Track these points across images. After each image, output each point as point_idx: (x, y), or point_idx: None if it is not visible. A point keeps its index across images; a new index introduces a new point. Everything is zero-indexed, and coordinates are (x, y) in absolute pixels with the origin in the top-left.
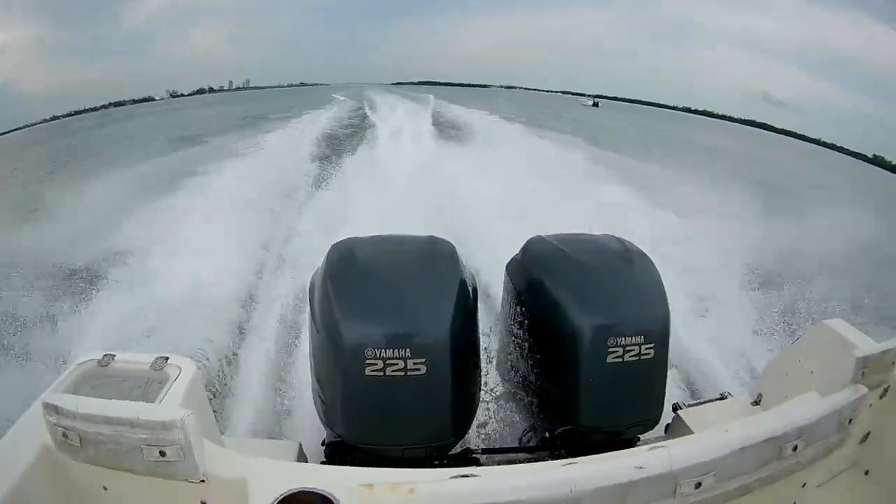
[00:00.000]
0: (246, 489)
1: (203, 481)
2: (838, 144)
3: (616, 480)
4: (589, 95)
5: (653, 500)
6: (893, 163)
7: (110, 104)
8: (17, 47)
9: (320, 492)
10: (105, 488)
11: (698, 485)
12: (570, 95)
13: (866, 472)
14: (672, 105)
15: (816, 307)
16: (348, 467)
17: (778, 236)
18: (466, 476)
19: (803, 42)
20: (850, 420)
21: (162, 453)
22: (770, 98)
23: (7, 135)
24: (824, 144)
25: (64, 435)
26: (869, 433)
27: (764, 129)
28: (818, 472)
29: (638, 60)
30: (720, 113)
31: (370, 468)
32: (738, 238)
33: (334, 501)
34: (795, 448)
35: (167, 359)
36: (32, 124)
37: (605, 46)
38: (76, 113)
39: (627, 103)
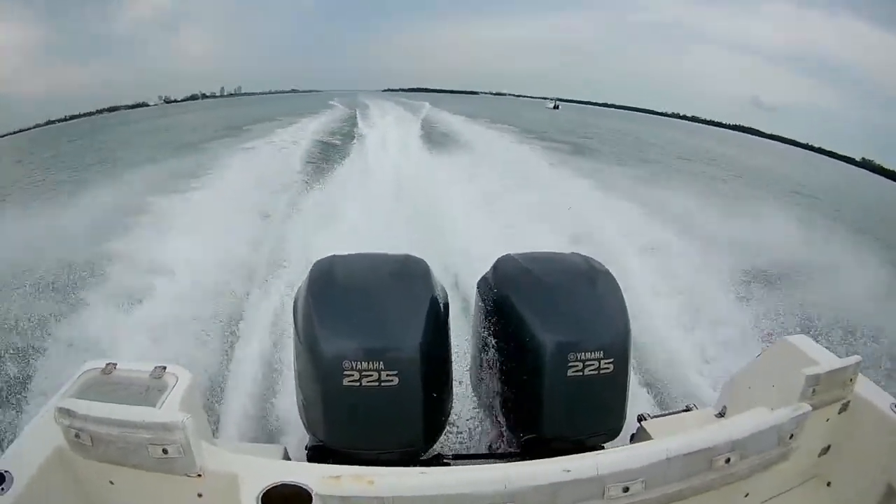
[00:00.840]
0: (237, 482)
1: (200, 475)
2: (827, 149)
3: (546, 481)
4: (552, 99)
5: (581, 500)
6: (883, 166)
7: (105, 109)
8: (10, 49)
9: (298, 484)
10: (112, 482)
11: (626, 489)
12: (546, 100)
13: (828, 484)
14: (662, 111)
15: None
16: (325, 464)
17: (770, 244)
18: (422, 472)
19: (795, 47)
20: (792, 436)
21: (165, 451)
22: (760, 103)
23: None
24: (813, 149)
25: (76, 436)
26: (829, 446)
27: (752, 133)
28: (765, 483)
29: (629, 65)
30: (709, 118)
31: (343, 466)
32: (726, 246)
33: (309, 490)
34: (728, 460)
35: (165, 368)
36: (28, 129)
37: (595, 52)
38: (72, 118)
39: (612, 109)
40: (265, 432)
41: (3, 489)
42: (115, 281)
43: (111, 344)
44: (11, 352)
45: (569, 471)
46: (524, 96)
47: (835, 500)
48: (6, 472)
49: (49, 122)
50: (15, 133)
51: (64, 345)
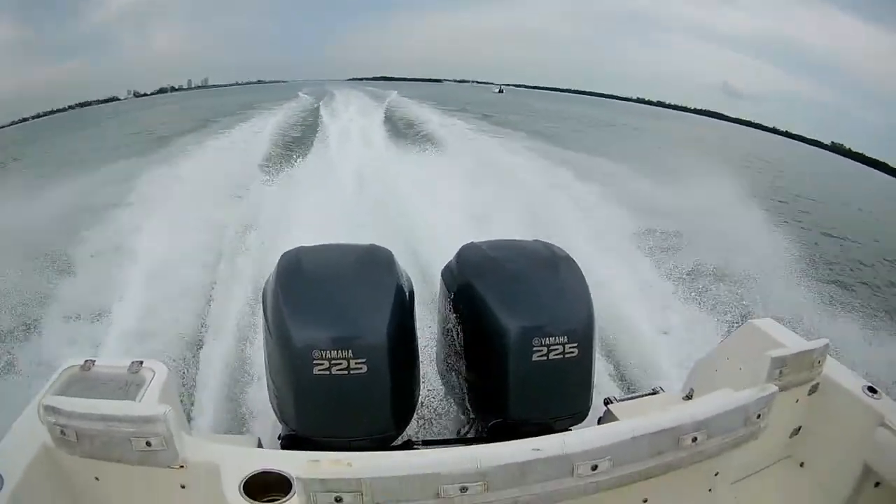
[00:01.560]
0: (218, 472)
1: (182, 467)
2: (794, 133)
3: (515, 460)
4: (497, 84)
5: (551, 478)
6: (852, 149)
7: (77, 105)
8: None
9: (279, 471)
10: (97, 479)
11: (594, 467)
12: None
13: (801, 464)
14: (625, 97)
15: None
16: (303, 451)
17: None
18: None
19: (766, 33)
20: (759, 416)
21: (148, 444)
22: (730, 89)
23: None
24: (780, 132)
25: (62, 432)
26: (800, 427)
27: (717, 118)
28: (734, 462)
29: (594, 51)
30: (674, 103)
31: (320, 452)
32: (689, 228)
33: (289, 478)
34: (695, 439)
35: (142, 363)
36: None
37: (560, 38)
38: (45, 114)
39: (575, 94)
40: (237, 423)
41: None
42: (80, 277)
43: (82, 341)
44: None
45: (538, 450)
46: (485, 83)
47: (810, 481)
48: None
49: (23, 120)
50: None
51: (34, 343)
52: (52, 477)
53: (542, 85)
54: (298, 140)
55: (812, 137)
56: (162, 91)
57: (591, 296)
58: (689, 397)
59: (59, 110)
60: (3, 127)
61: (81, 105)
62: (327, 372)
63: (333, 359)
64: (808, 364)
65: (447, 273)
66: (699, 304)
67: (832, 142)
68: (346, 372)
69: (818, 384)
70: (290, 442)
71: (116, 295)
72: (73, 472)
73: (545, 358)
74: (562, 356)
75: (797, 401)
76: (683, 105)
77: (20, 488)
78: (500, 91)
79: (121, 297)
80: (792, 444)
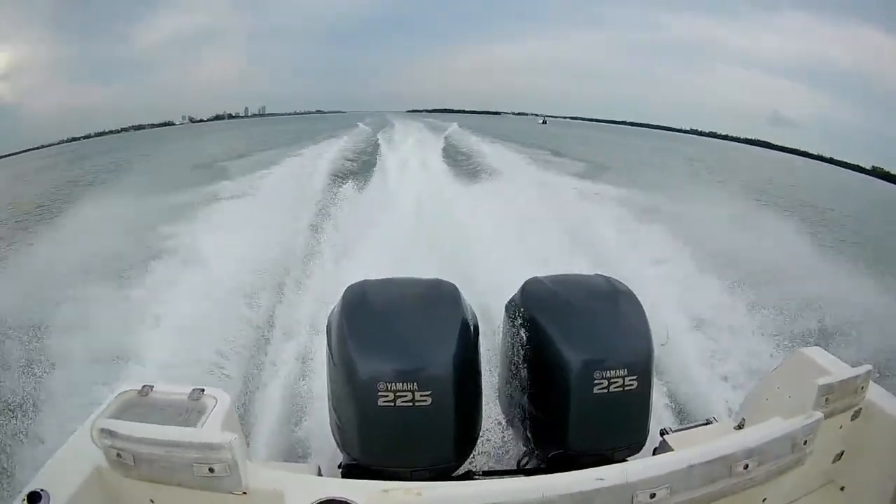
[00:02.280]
0: (283, 499)
1: (245, 493)
2: (838, 158)
3: (579, 489)
4: (540, 115)
5: None
6: (891, 172)
7: (130, 128)
8: (32, 64)
9: (346, 499)
10: (152, 501)
11: (653, 495)
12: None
13: (842, 489)
14: (678, 128)
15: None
16: (368, 481)
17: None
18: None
19: (811, 59)
20: (806, 442)
21: (211, 470)
22: (778, 117)
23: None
24: (823, 159)
25: (118, 455)
26: (843, 452)
27: (764, 146)
28: (781, 488)
29: (643, 83)
30: (723, 133)
31: (385, 481)
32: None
33: None
34: (746, 466)
35: (203, 390)
36: (48, 145)
37: (611, 69)
38: (97, 135)
39: (628, 126)
40: (295, 451)
41: None
42: (140, 299)
43: (137, 362)
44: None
45: (601, 479)
46: (534, 114)
47: None
48: (42, 490)
49: (72, 139)
50: (40, 148)
51: (92, 361)
52: (104, 498)
53: (596, 117)
54: (360, 169)
55: (853, 162)
56: (218, 118)
57: (651, 329)
58: (740, 426)
59: (111, 132)
60: (51, 145)
61: (136, 128)
62: (392, 404)
63: (398, 391)
64: (852, 390)
65: (511, 307)
66: (759, 334)
67: (873, 166)
68: (410, 404)
69: (861, 409)
70: (352, 471)
71: (175, 320)
72: (126, 493)
73: (606, 391)
74: (622, 389)
75: (840, 427)
76: (734, 135)
77: None
78: (544, 122)
79: (179, 322)
80: (834, 469)
